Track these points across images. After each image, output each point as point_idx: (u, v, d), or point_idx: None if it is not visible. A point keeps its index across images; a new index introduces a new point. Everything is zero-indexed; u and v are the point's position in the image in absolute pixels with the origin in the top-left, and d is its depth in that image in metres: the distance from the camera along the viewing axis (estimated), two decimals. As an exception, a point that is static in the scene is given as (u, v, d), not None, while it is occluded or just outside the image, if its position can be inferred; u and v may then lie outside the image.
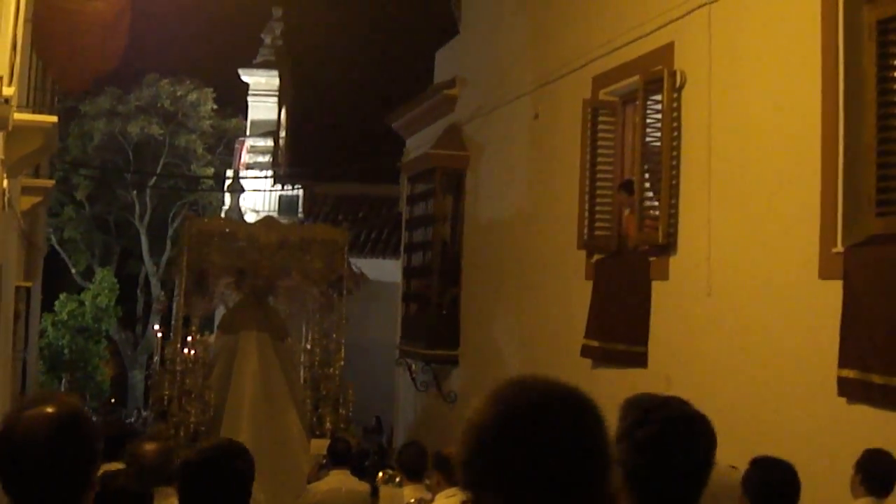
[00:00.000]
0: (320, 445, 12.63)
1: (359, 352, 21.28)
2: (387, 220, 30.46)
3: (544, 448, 1.98)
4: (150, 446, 6.28)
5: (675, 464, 2.85)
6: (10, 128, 8.57)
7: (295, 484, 12.50)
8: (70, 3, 9.52)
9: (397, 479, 9.70)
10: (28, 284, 18.56)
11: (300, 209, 33.36)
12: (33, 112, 12.02)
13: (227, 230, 16.29)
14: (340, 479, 10.04)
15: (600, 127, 12.48)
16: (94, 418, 3.27)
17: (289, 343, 16.23)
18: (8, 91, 8.22)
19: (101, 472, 4.56)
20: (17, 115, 9.21)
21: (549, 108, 13.95)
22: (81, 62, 10.06)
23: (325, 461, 11.19)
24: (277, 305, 16.78)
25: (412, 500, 8.75)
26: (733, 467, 7.99)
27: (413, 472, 8.97)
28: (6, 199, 10.45)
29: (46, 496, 2.83)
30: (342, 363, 15.96)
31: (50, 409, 2.89)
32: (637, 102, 11.45)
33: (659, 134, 10.98)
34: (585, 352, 12.04)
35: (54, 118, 10.57)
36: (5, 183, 9.90)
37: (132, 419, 34.37)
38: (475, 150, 16.86)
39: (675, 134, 10.72)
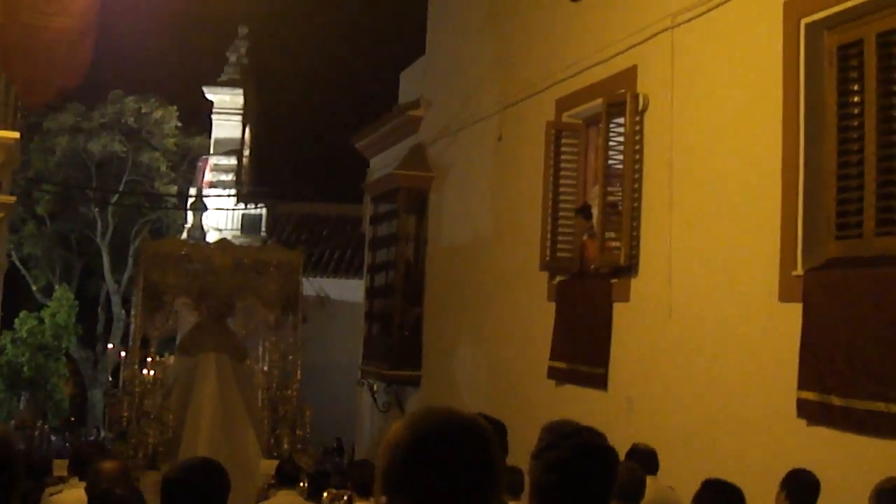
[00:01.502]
0: (269, 466, 12.60)
1: (320, 372, 21.23)
2: (350, 239, 30.44)
3: (444, 464, 2.31)
4: (110, 464, 6.53)
5: (577, 486, 3.19)
6: (-29, 143, 8.51)
7: (251, 505, 12.43)
8: (35, 18, 9.47)
9: (345, 497, 9.67)
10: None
11: (263, 228, 33.28)
12: (-6, 127, 11.95)
13: (183, 252, 16.29)
14: (287, 500, 10.02)
15: (563, 149, 12.53)
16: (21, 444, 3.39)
17: (247, 364, 16.20)
18: (-30, 106, 8.18)
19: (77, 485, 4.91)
20: (-21, 131, 9.16)
21: (512, 130, 14.00)
22: (45, 77, 10.01)
23: (273, 482, 11.15)
24: (235, 326, 16.75)
25: None
26: (671, 487, 8.05)
27: (363, 489, 8.95)
28: (-33, 214, 10.38)
29: None
30: (299, 385, 15.94)
31: None
32: (600, 125, 11.51)
33: (621, 157, 11.04)
34: (551, 373, 12.06)
35: (16, 134, 10.52)
36: (-34, 198, 9.83)
37: (92, 438, 34.10)
38: (439, 170, 16.89)
39: (638, 157, 10.78)
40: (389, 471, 2.35)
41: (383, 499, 2.36)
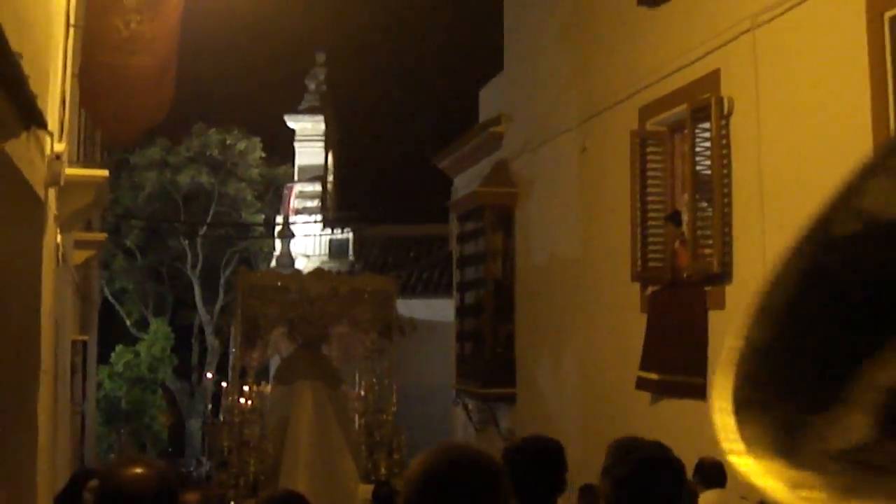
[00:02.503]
0: (367, 490, 12.70)
1: (414, 394, 21.24)
2: (437, 259, 30.45)
3: (452, 497, 2.59)
4: (192, 496, 6.70)
5: (642, 499, 3.43)
6: (62, 183, 8.62)
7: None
8: (115, 58, 9.59)
9: None
10: (84, 338, 18.69)
11: (350, 252, 33.43)
12: (84, 166, 12.12)
13: (279, 283, 16.57)
14: None
15: (649, 157, 12.41)
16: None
17: (343, 390, 16.38)
18: (59, 147, 8.28)
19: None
20: (69, 170, 9.27)
21: (596, 140, 13.91)
22: (129, 116, 10.14)
23: None
24: (330, 353, 16.94)
25: None
26: (743, 498, 8.00)
27: None
28: (60, 254, 10.52)
29: None
30: (394, 408, 16.06)
31: (146, 470, 3.61)
32: (685, 131, 11.38)
33: (709, 162, 10.90)
34: (640, 384, 11.92)
35: (105, 172, 10.64)
36: (59, 238, 9.96)
37: (192, 469, 34.45)
38: (524, 186, 16.82)
39: (725, 161, 10.64)
40: (405, 499, 2.66)
41: None
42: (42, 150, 7.55)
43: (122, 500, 3.53)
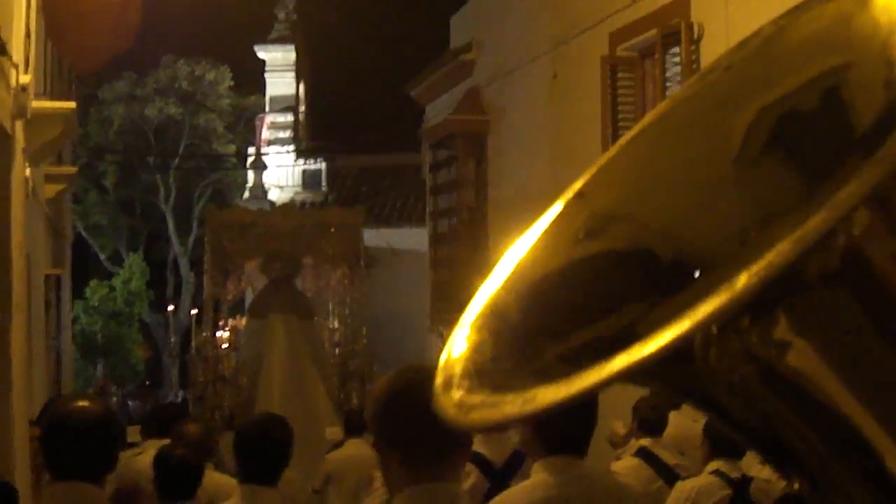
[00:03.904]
0: (335, 433, 12.86)
1: (389, 323, 21.33)
2: (411, 188, 30.40)
3: (411, 414, 2.75)
4: (193, 426, 7.20)
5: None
6: (28, 116, 8.56)
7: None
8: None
9: None
10: (57, 272, 18.65)
11: (324, 183, 33.36)
12: (51, 99, 12.02)
13: (248, 220, 16.79)
14: (356, 447, 10.44)
15: (620, 83, 12.39)
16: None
17: (316, 322, 16.53)
18: (25, 79, 8.21)
19: (157, 446, 6.43)
20: (36, 103, 9.21)
21: (567, 67, 13.87)
22: (94, 44, 10.07)
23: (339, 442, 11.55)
24: (303, 286, 17.07)
25: None
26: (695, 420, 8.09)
27: None
28: (30, 187, 10.47)
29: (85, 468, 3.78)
30: (365, 339, 16.26)
31: (88, 403, 3.96)
32: (655, 56, 11.36)
33: (679, 88, 10.89)
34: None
35: (73, 104, 10.57)
36: (28, 171, 9.91)
37: (170, 401, 34.59)
38: (495, 113, 16.78)
39: (696, 86, 10.63)
40: (372, 419, 3.01)
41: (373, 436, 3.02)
42: (7, 82, 7.49)
43: (66, 429, 3.82)
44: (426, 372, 2.75)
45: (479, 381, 1.18)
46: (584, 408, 4.04)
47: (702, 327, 1.00)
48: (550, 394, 1.08)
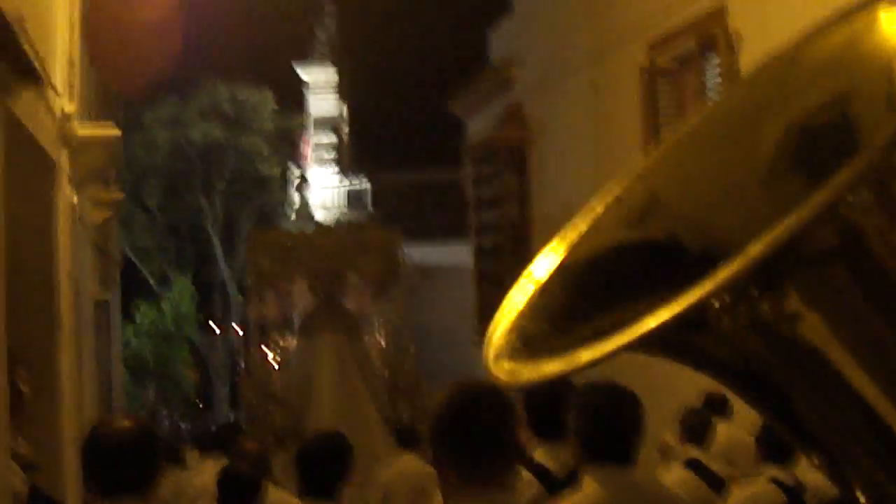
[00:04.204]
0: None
1: (434, 338, 21.36)
2: (454, 203, 30.43)
3: (472, 428, 2.98)
4: (250, 443, 7.39)
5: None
6: (73, 143, 8.66)
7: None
8: (121, 12, 9.61)
9: None
10: (106, 297, 18.80)
11: (369, 202, 33.50)
12: (96, 125, 12.14)
13: (288, 242, 17.10)
14: (406, 463, 10.53)
15: (659, 93, 12.37)
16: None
17: (364, 341, 16.69)
18: (69, 107, 8.31)
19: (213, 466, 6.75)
20: (80, 130, 9.30)
21: (607, 78, 13.86)
22: (137, 69, 10.16)
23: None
24: (349, 305, 17.21)
25: None
26: None
27: None
28: (77, 214, 10.58)
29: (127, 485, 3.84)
30: (413, 356, 16.41)
31: (128, 423, 4.04)
32: (694, 65, 11.34)
33: (719, 95, 10.86)
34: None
35: (117, 130, 10.66)
36: (75, 198, 10.01)
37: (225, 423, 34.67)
38: (537, 127, 16.79)
39: (736, 94, 10.59)
40: (431, 433, 3.12)
41: (430, 449, 3.19)
42: (51, 110, 7.58)
43: (103, 447, 3.88)
44: (481, 388, 3.05)
45: (525, 351, 1.38)
46: (631, 415, 4.20)
47: (720, 291, 1.13)
48: (588, 354, 1.25)
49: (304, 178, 34.72)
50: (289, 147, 42.12)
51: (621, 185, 1.55)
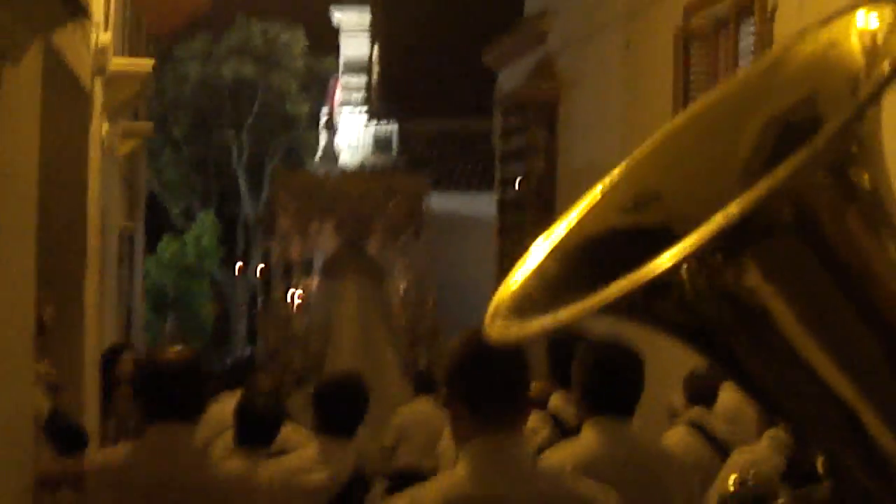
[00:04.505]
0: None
1: (455, 287, 21.43)
2: (481, 154, 30.41)
3: (484, 371, 3.11)
4: (264, 378, 7.68)
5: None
6: (107, 74, 8.75)
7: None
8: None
9: None
10: (131, 228, 18.96)
11: (395, 146, 33.48)
12: (129, 57, 12.23)
13: (315, 183, 17.10)
14: (422, 406, 10.76)
15: (692, 55, 12.35)
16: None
17: (385, 285, 16.76)
18: (104, 38, 8.40)
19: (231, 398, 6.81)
20: (114, 62, 9.39)
21: (640, 37, 13.83)
22: (174, 3, 10.22)
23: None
24: (372, 250, 17.28)
25: None
26: None
27: None
28: (106, 144, 10.69)
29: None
30: (434, 304, 16.48)
31: (179, 350, 4.42)
32: (729, 28, 11.32)
33: (752, 59, 10.85)
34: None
35: (151, 62, 10.77)
36: (105, 128, 10.12)
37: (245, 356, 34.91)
38: (567, 82, 16.77)
39: (770, 59, 10.57)
40: (445, 375, 3.26)
41: (444, 391, 3.38)
42: (87, 41, 7.67)
43: (157, 373, 4.24)
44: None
45: (517, 314, 1.57)
46: (629, 370, 4.40)
47: (689, 256, 1.28)
48: (569, 311, 1.43)
49: (331, 119, 34.69)
50: (319, 87, 42.09)
51: (619, 171, 1.69)
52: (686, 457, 6.13)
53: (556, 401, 6.22)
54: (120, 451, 4.63)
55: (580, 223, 1.66)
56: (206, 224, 41.54)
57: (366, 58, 36.32)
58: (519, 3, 20.31)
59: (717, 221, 1.27)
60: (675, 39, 12.39)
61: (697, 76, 12.32)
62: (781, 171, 1.26)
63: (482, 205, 25.31)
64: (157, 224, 38.28)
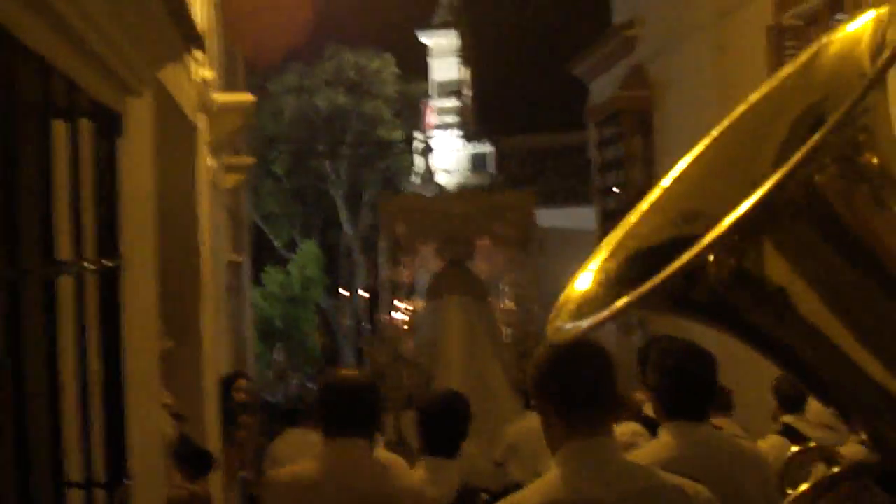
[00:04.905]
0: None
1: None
2: (576, 167, 30.42)
3: (569, 378, 3.21)
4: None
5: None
6: (212, 110, 8.97)
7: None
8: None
9: None
10: (238, 259, 19.28)
11: (491, 165, 33.62)
12: (230, 92, 12.49)
13: (421, 205, 17.28)
14: (532, 421, 10.65)
15: (786, 52, 12.27)
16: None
17: (489, 303, 16.85)
18: (207, 73, 8.62)
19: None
20: (217, 97, 9.62)
21: (731, 38, 13.76)
22: (271, 38, 10.45)
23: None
24: (476, 268, 17.40)
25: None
26: None
27: None
28: (212, 178, 10.93)
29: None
30: (539, 319, 16.48)
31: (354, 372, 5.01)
32: (821, 23, 11.24)
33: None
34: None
35: (251, 97, 10.99)
36: (211, 162, 10.36)
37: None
38: (660, 88, 16.74)
39: (865, 52, 10.49)
40: (534, 381, 3.32)
41: (533, 401, 3.48)
42: (190, 76, 7.87)
43: (341, 392, 4.51)
44: (580, 341, 3.22)
45: (576, 314, 1.72)
46: (702, 373, 4.49)
47: (714, 242, 1.41)
48: (608, 310, 1.59)
49: (427, 143, 34.97)
50: (411, 112, 42.41)
51: (664, 188, 1.86)
52: (776, 462, 6.16)
53: (648, 409, 6.30)
54: (303, 466, 4.74)
55: (634, 233, 1.81)
56: (309, 253, 42.02)
57: (456, 80, 36.54)
58: (605, 13, 20.33)
59: (737, 211, 1.39)
60: (768, 36, 12.32)
61: (792, 73, 12.23)
62: (792, 160, 1.39)
63: (580, 218, 25.31)
64: (262, 255, 38.81)
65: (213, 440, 8.32)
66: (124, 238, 3.82)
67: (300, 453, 8.95)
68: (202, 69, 8.45)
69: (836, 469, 1.80)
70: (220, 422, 9.02)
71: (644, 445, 5.96)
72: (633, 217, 1.83)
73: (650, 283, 1.47)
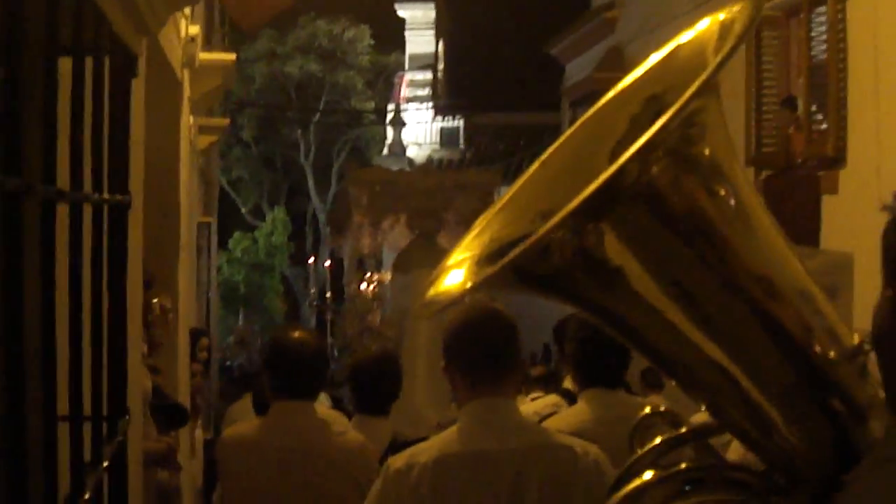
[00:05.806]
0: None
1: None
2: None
3: (476, 342, 3.49)
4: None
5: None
6: (196, 66, 8.98)
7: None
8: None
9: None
10: (208, 220, 19.27)
11: (461, 141, 33.64)
12: (212, 50, 12.46)
13: (387, 179, 17.33)
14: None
15: (764, 42, 12.41)
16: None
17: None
18: (193, 30, 8.61)
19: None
20: (200, 54, 9.62)
21: (711, 25, 13.86)
22: (259, 1, 10.46)
23: None
24: (444, 243, 17.49)
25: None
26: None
27: None
28: (191, 136, 10.94)
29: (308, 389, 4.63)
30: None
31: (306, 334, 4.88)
32: (801, 16, 11.38)
33: (825, 47, 10.91)
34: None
35: (233, 56, 10.99)
36: (191, 120, 10.37)
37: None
38: (637, 72, 16.83)
39: (842, 45, 10.64)
40: (444, 345, 3.58)
41: (442, 363, 3.62)
42: (178, 32, 7.88)
43: (288, 356, 4.60)
44: (487, 309, 3.60)
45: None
46: (616, 344, 4.53)
47: (557, 224, 1.54)
48: (477, 276, 1.79)
49: (397, 115, 34.94)
50: (384, 83, 42.31)
51: (517, 190, 2.04)
52: None
53: (569, 382, 6.50)
54: (250, 425, 4.99)
55: (492, 234, 1.96)
56: (276, 220, 41.91)
57: (431, 54, 36.52)
58: (585, -6, 20.41)
59: (579, 196, 1.53)
60: (747, 26, 12.43)
61: (769, 64, 12.39)
62: (626, 154, 1.54)
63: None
64: (228, 220, 38.67)
65: (183, 395, 8.39)
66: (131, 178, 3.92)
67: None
68: (191, 26, 8.46)
69: (681, 430, 1.98)
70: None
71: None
72: (492, 217, 1.99)
73: (500, 263, 1.63)
